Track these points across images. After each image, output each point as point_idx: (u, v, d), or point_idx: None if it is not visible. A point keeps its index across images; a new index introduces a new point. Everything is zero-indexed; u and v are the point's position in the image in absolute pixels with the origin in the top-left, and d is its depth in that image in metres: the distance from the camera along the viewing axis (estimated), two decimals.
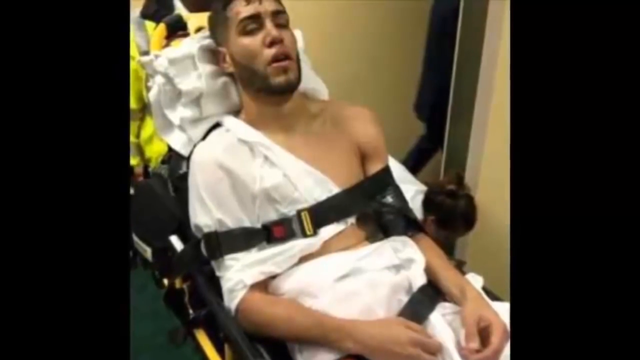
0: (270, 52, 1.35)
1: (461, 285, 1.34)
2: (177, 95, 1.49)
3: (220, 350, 1.48)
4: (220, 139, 1.44)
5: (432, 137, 3.19)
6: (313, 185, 1.39)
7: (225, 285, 1.34)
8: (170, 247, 1.52)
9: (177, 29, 1.66)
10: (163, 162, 1.76)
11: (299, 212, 1.37)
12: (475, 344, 1.20)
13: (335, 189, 1.41)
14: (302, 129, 1.46)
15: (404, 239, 1.41)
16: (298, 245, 1.35)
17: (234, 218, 1.35)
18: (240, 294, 1.31)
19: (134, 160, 2.29)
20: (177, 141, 1.51)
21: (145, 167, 2.31)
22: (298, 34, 1.52)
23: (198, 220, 1.38)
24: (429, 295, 1.33)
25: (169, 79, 1.47)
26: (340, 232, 1.39)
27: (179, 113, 1.49)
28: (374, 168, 1.51)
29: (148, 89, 1.58)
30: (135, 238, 1.68)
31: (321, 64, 1.77)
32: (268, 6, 1.37)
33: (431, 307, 1.30)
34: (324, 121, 1.49)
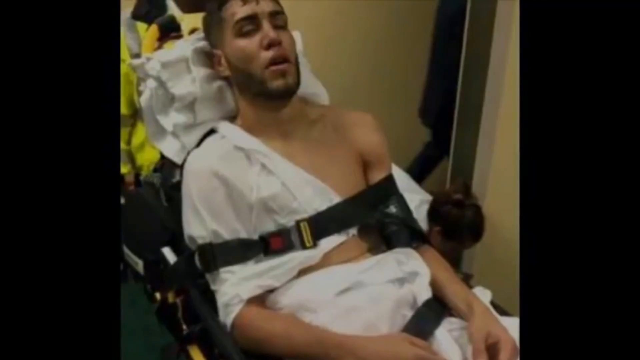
0: (267, 54, 1.35)
1: (468, 300, 1.34)
2: (170, 100, 1.49)
3: None
4: (216, 146, 1.44)
5: (437, 144, 3.20)
6: (313, 194, 1.39)
7: (221, 299, 1.34)
8: (163, 259, 1.52)
9: (170, 31, 1.66)
10: (155, 170, 1.76)
11: (297, 223, 1.37)
12: None
13: (336, 199, 1.41)
14: (301, 136, 1.46)
15: (408, 250, 1.41)
16: (297, 258, 1.35)
17: (230, 229, 1.35)
18: (236, 309, 1.31)
19: (124, 168, 2.29)
20: (170, 148, 1.51)
21: (137, 175, 2.31)
22: (297, 35, 1.52)
23: (192, 231, 1.38)
24: (435, 310, 1.33)
25: (161, 83, 1.47)
26: (341, 244, 1.39)
27: (172, 119, 1.49)
28: (377, 176, 1.51)
29: (139, 93, 1.58)
30: (126, 250, 1.68)
31: (321, 67, 1.77)
32: (265, 7, 1.37)
33: (437, 323, 1.30)
34: (324, 127, 1.49)
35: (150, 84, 1.49)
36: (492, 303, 1.40)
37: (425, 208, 2.14)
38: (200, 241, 1.37)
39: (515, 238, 1.07)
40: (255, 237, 1.37)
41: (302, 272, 1.36)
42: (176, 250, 1.51)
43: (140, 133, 2.24)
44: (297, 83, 1.40)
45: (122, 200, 1.72)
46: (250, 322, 1.30)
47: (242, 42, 1.37)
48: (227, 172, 1.37)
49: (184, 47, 1.50)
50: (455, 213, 2.10)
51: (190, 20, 1.64)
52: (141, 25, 2.09)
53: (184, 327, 1.52)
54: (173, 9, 2.12)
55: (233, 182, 1.36)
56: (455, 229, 2.11)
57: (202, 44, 1.50)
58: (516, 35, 2.03)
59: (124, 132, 2.26)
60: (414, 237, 1.48)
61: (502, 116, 2.22)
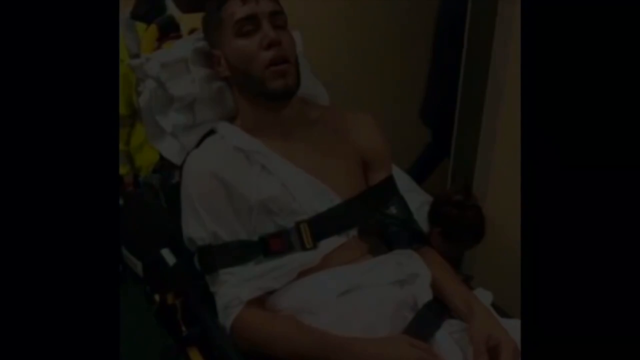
0: (267, 55, 1.35)
1: (469, 301, 1.34)
2: (169, 101, 1.49)
3: None
4: (215, 147, 1.44)
5: (438, 145, 3.20)
6: (313, 195, 1.39)
7: (220, 301, 1.34)
8: (162, 261, 1.51)
9: (169, 31, 1.67)
10: (154, 171, 1.76)
11: (297, 224, 1.37)
12: None
13: (336, 200, 1.41)
14: (301, 136, 1.45)
15: (409, 252, 1.41)
16: (297, 259, 1.35)
17: (230, 230, 1.35)
18: (235, 311, 1.31)
19: (123, 169, 2.29)
20: (169, 149, 1.51)
21: (135, 176, 2.31)
22: (297, 35, 1.51)
23: (191, 232, 1.38)
24: (435, 311, 1.33)
25: (160, 84, 1.47)
26: (341, 245, 1.39)
27: (171, 119, 1.49)
28: (377, 177, 1.51)
29: (138, 93, 1.57)
30: (125, 251, 1.67)
31: (321, 67, 1.77)
32: (265, 6, 1.37)
33: (437, 325, 1.30)
34: (324, 128, 1.49)
35: (149, 84, 1.49)
36: (493, 305, 1.40)
37: (426, 209, 2.13)
38: (199, 242, 1.37)
39: (516, 239, 1.07)
40: (255, 238, 1.37)
41: (302, 273, 1.36)
42: (175, 252, 1.51)
43: (139, 134, 2.24)
44: (297, 83, 1.40)
45: (121, 202, 1.72)
46: (250, 324, 1.30)
47: (242, 42, 1.37)
48: (226, 173, 1.37)
49: (184, 47, 1.50)
50: (456, 214, 2.09)
51: (190, 20, 1.64)
52: (140, 25, 2.10)
53: (184, 329, 1.53)
54: (172, 9, 2.12)
55: (233, 183, 1.36)
56: (455, 230, 2.10)
57: (202, 44, 1.49)
58: (517, 35, 2.02)
59: (122, 133, 2.27)
60: (415, 238, 1.47)
61: (503, 117, 2.22)
